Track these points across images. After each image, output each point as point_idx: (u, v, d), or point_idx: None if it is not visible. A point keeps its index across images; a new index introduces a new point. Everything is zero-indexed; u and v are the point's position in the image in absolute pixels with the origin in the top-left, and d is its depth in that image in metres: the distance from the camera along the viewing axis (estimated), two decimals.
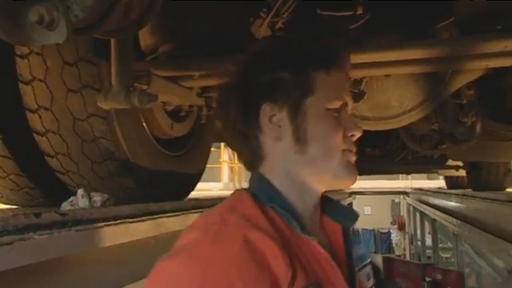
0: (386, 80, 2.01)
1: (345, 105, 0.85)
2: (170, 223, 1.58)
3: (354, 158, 0.84)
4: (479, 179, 4.82)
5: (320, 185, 0.85)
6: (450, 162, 5.30)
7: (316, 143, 0.82)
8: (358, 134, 0.85)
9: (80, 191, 1.55)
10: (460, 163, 5.23)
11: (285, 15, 2.09)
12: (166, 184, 2.09)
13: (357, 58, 1.75)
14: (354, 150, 0.85)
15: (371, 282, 0.91)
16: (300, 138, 0.82)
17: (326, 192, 0.92)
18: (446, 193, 5.95)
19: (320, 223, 0.89)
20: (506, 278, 0.71)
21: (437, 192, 6.75)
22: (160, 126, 2.12)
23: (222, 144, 8.04)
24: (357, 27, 1.97)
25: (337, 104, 0.84)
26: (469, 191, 4.93)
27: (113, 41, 1.52)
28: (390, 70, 1.86)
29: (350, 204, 8.73)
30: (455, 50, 1.74)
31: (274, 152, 0.85)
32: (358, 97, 2.01)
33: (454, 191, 5.65)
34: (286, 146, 0.83)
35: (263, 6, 2.10)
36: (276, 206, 0.80)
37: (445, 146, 3.71)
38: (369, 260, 0.94)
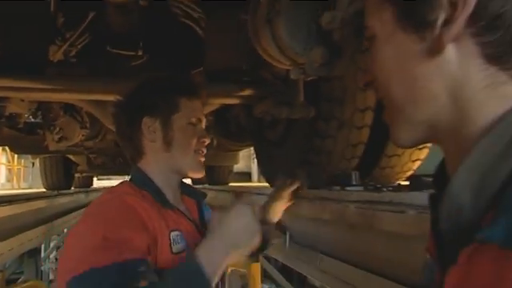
0: None
1: (199, 120, 1.00)
2: None
3: (202, 159, 1.00)
4: (213, 177, 5.22)
5: (178, 174, 0.99)
6: None
7: (177, 146, 0.96)
8: (207, 141, 1.00)
9: None
10: None
11: (79, 46, 2.03)
12: None
13: None
14: (204, 151, 1.00)
15: None
16: (167, 142, 0.95)
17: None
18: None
19: (181, 200, 1.04)
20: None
21: None
22: None
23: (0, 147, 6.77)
24: (137, 65, 2.04)
25: (194, 120, 0.98)
26: (207, 186, 5.34)
27: None
28: None
29: None
30: None
31: (150, 150, 0.96)
32: None
33: (197, 186, 6.05)
34: (158, 146, 0.95)
35: (58, 35, 1.99)
36: (147, 189, 0.93)
37: None
38: None
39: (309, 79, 1.46)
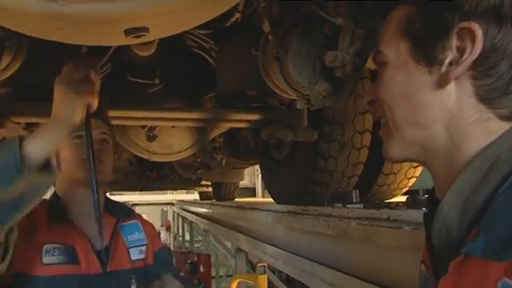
0: (171, 129, 2.16)
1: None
2: None
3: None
4: (220, 193, 5.21)
5: (76, 186, 0.97)
6: (203, 182, 5.62)
7: (63, 163, 0.95)
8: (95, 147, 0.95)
9: None
10: (209, 182, 5.58)
11: (102, 75, 2.11)
12: None
13: (153, 114, 1.89)
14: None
15: (142, 255, 1.02)
16: (57, 164, 0.89)
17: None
18: (199, 203, 6.33)
19: (103, 216, 0.96)
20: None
21: (193, 202, 7.08)
22: None
23: None
24: (154, 92, 2.13)
25: (76, 134, 0.95)
26: (214, 201, 5.32)
27: None
28: (175, 123, 2.03)
29: None
30: (214, 116, 2.00)
31: None
32: (151, 139, 2.15)
33: (204, 202, 6.06)
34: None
35: None
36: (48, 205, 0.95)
37: (201, 171, 3.99)
38: (145, 242, 1.04)
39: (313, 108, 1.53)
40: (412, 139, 0.49)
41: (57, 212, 0.94)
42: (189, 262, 3.62)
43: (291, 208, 1.96)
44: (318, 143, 1.85)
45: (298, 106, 1.24)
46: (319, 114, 1.82)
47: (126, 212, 1.07)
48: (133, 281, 0.96)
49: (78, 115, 0.78)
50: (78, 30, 0.57)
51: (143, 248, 1.03)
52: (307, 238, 1.75)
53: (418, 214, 1.09)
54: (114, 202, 1.09)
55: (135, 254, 1.01)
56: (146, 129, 2.14)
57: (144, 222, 1.10)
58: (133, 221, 1.07)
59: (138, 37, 0.61)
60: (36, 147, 0.73)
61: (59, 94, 0.78)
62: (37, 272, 0.85)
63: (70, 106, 0.77)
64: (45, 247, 0.88)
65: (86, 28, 0.55)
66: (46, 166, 0.74)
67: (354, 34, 1.01)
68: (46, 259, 0.87)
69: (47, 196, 0.93)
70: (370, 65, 1.18)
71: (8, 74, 1.15)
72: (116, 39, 0.63)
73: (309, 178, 1.94)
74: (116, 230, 1.00)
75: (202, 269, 3.62)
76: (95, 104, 0.82)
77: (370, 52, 1.03)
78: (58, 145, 0.82)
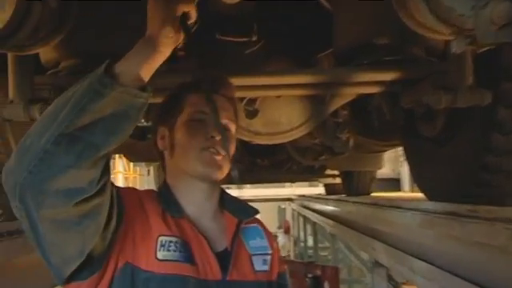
0: (277, 100, 2.12)
1: (204, 113, 1.03)
2: None
3: (217, 157, 1.01)
4: (351, 186, 5.12)
5: (193, 178, 1.03)
6: (329, 171, 5.59)
7: (178, 147, 1.03)
8: (217, 136, 1.01)
9: None
10: (336, 172, 5.53)
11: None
12: None
13: (251, 81, 1.86)
14: (219, 150, 1.01)
15: (266, 266, 1.08)
16: (170, 146, 1.03)
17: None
18: (324, 198, 6.34)
19: (220, 214, 1.08)
20: None
21: (317, 198, 7.16)
22: None
23: (117, 155, 7.83)
24: (252, 53, 2.08)
25: (197, 116, 1.03)
26: (343, 196, 5.27)
27: (10, 54, 1.48)
28: (281, 91, 1.98)
29: None
30: (333, 78, 1.90)
31: (166, 160, 1.08)
32: (252, 114, 2.13)
33: (331, 197, 6.03)
34: (168, 153, 1.04)
35: None
36: (162, 200, 1.03)
37: (324, 157, 3.94)
38: (269, 251, 1.10)
39: (480, 51, 1.31)
40: None
41: (170, 203, 1.03)
42: (310, 275, 3.62)
43: (451, 207, 1.84)
44: (494, 110, 1.64)
45: (454, 50, 1.07)
46: (493, 61, 1.59)
47: (247, 212, 1.12)
48: None
49: (171, 25, 0.88)
50: None
51: (267, 258, 1.09)
52: (475, 252, 1.62)
53: None
54: (233, 198, 1.15)
55: (258, 264, 1.07)
56: (245, 102, 2.12)
57: (265, 228, 1.16)
58: (253, 224, 1.12)
59: None
60: (125, 64, 0.84)
61: (151, 5, 0.89)
62: (150, 267, 0.93)
63: (161, 16, 0.88)
64: (160, 240, 0.95)
65: None
66: (140, 89, 0.85)
67: None
68: (161, 254, 0.94)
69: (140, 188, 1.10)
70: None
71: (56, 39, 1.20)
72: None
73: (478, 164, 1.76)
74: (238, 233, 1.06)
75: (326, 285, 3.59)
76: (193, 14, 0.92)
77: None
78: (154, 64, 0.89)
